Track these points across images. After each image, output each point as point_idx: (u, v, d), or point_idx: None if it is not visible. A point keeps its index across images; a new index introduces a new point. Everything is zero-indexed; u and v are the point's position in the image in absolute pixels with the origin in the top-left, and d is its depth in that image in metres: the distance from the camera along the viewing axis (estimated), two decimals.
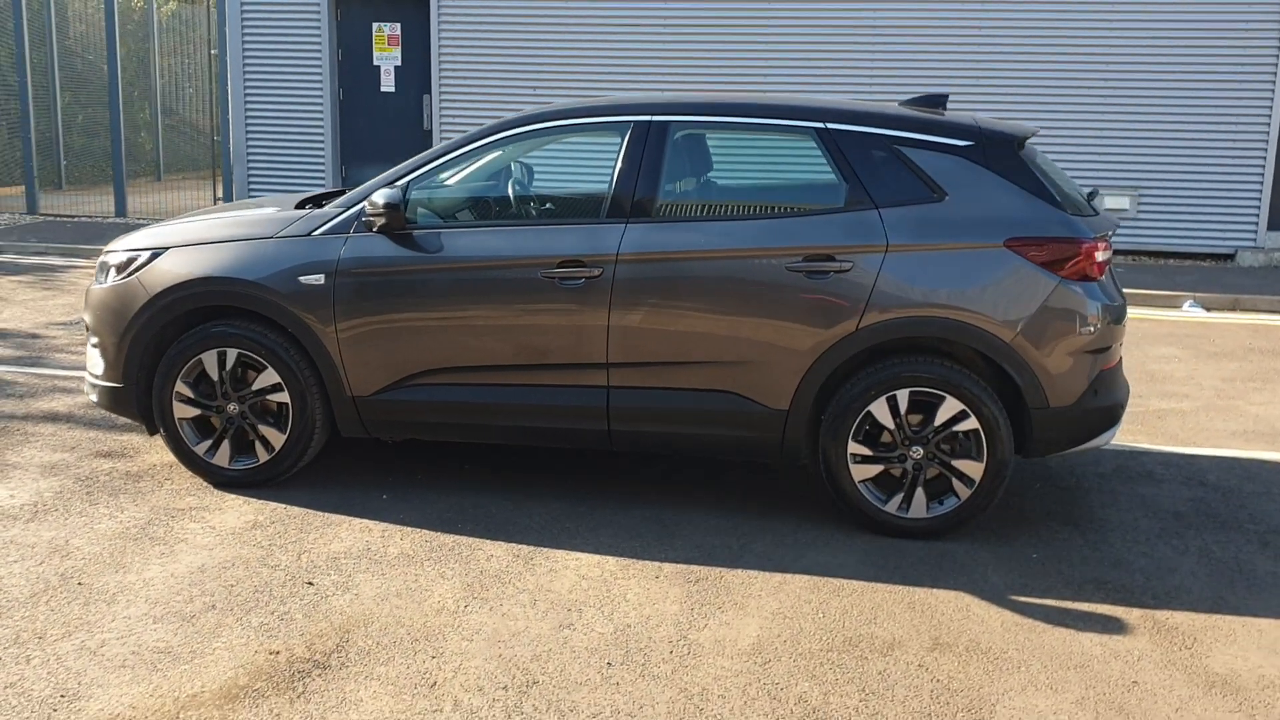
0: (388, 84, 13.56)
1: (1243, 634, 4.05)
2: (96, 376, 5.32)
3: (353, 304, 4.95)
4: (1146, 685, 3.67)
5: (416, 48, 13.44)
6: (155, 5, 18.84)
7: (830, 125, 4.86)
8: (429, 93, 13.41)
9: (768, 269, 4.73)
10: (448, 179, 5.21)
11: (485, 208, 5.46)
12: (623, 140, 4.95)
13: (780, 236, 4.77)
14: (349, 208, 5.04)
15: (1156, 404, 7.07)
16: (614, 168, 4.93)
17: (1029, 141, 5.17)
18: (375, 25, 13.50)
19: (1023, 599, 4.28)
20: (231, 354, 5.07)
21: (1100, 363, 4.75)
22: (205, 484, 5.21)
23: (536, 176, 5.77)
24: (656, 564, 4.50)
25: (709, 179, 5.26)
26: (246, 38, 13.72)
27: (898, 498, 4.78)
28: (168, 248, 5.15)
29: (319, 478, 5.33)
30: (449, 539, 4.68)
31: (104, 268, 5.29)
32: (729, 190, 5.26)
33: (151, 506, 4.93)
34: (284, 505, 5.00)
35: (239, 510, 4.92)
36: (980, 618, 4.10)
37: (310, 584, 4.24)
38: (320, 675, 3.59)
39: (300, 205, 5.42)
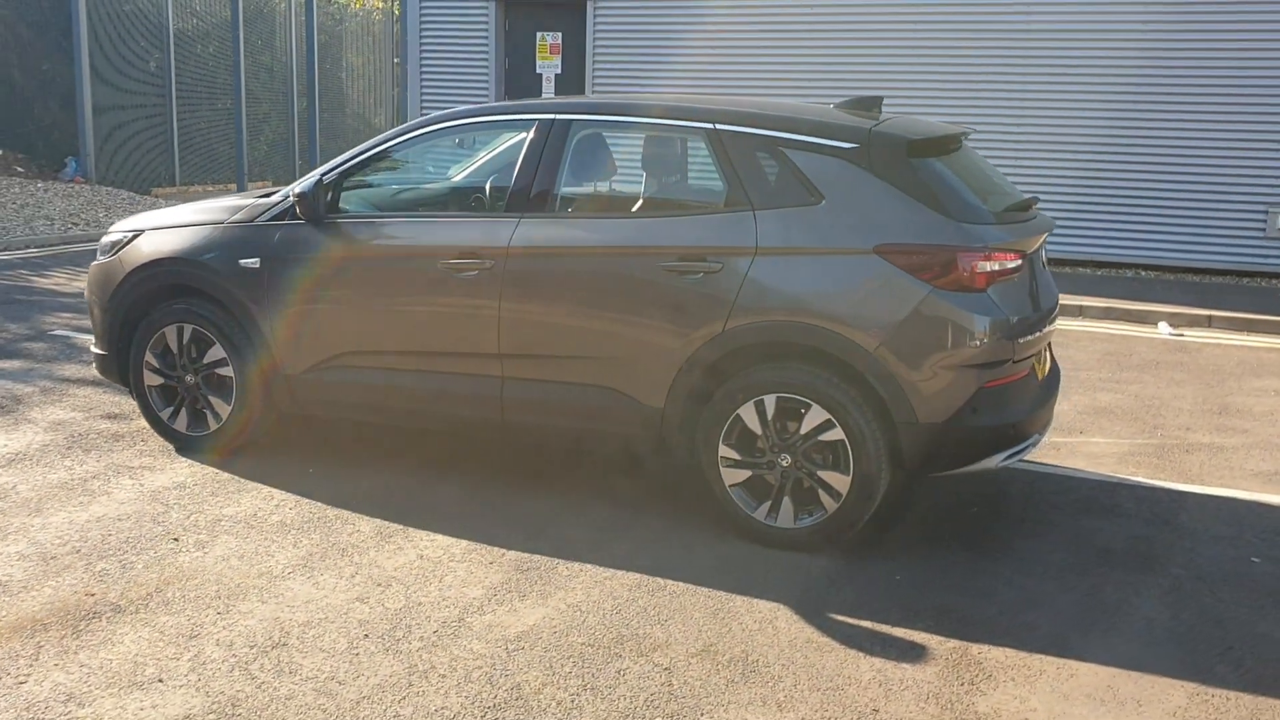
0: (548, 91, 14.06)
1: (1047, 676, 3.73)
2: (93, 345, 5.93)
3: (281, 287, 5.30)
4: (885, 714, 3.47)
5: (573, 56, 13.88)
6: (346, 15, 20.33)
7: (719, 126, 4.80)
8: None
9: (645, 267, 4.73)
10: (372, 172, 5.47)
11: (400, 200, 5.70)
12: (526, 138, 5.07)
13: (659, 235, 4.76)
14: (289, 197, 5.39)
15: (1199, 437, 6.46)
16: (516, 164, 5.06)
17: (954, 142, 4.93)
18: (539, 35, 14.04)
19: (840, 618, 4.10)
20: (188, 329, 5.53)
21: (984, 378, 4.46)
22: (169, 446, 5.70)
23: (451, 171, 5.97)
24: (502, 551, 4.58)
25: (604, 178, 5.29)
26: (424, 46, 14.58)
27: (766, 505, 4.66)
28: (145, 230, 5.68)
29: (273, 448, 5.70)
30: (331, 512, 4.94)
31: (101, 247, 5.88)
32: (621, 189, 5.27)
33: (108, 464, 5.46)
34: (218, 470, 5.41)
35: (176, 471, 5.37)
36: (775, 631, 3.97)
37: (175, 540, 4.60)
38: (107, 618, 3.92)
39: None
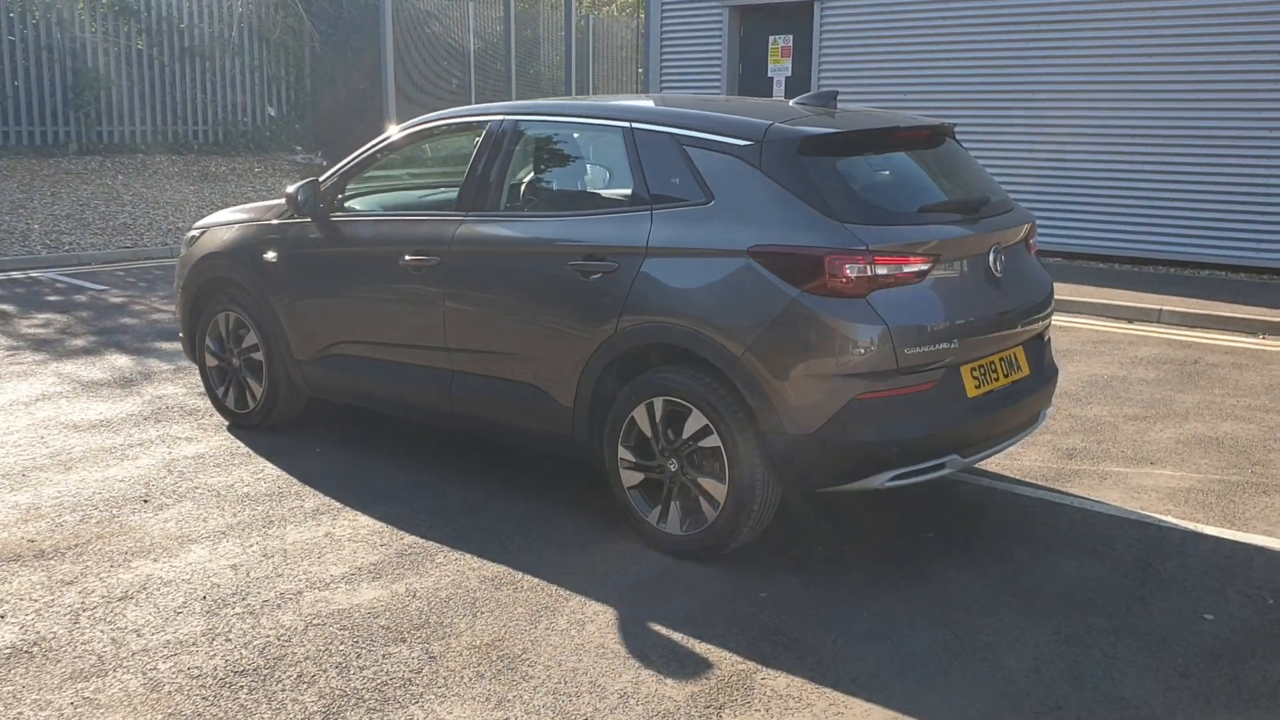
0: (778, 95, 13.96)
1: (811, 711, 3.43)
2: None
3: (290, 279, 5.76)
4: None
5: (802, 59, 13.70)
6: (592, 22, 21.05)
7: (634, 124, 4.73)
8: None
9: (556, 265, 4.76)
10: (364, 174, 5.78)
11: (383, 200, 5.96)
12: (478, 140, 5.22)
13: (569, 234, 4.77)
14: None
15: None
16: (468, 165, 5.22)
17: (886, 137, 4.60)
18: (771, 38, 13.98)
19: (655, 627, 3.96)
20: (232, 317, 6.13)
21: (858, 390, 4.12)
22: (223, 422, 6.33)
23: (431, 171, 6.14)
24: (402, 534, 4.76)
25: (540, 177, 5.29)
26: (665, 55, 14.91)
27: (658, 509, 4.56)
28: (210, 227, 6.34)
29: (301, 428, 6.20)
30: (295, 488, 5.32)
31: (184, 241, 6.62)
32: (549, 189, 5.25)
33: (161, 434, 6.15)
34: (242, 444, 5.96)
35: (207, 443, 5.97)
36: (576, 634, 3.90)
37: (145, 502, 5.15)
38: (23, 561, 4.47)
39: None
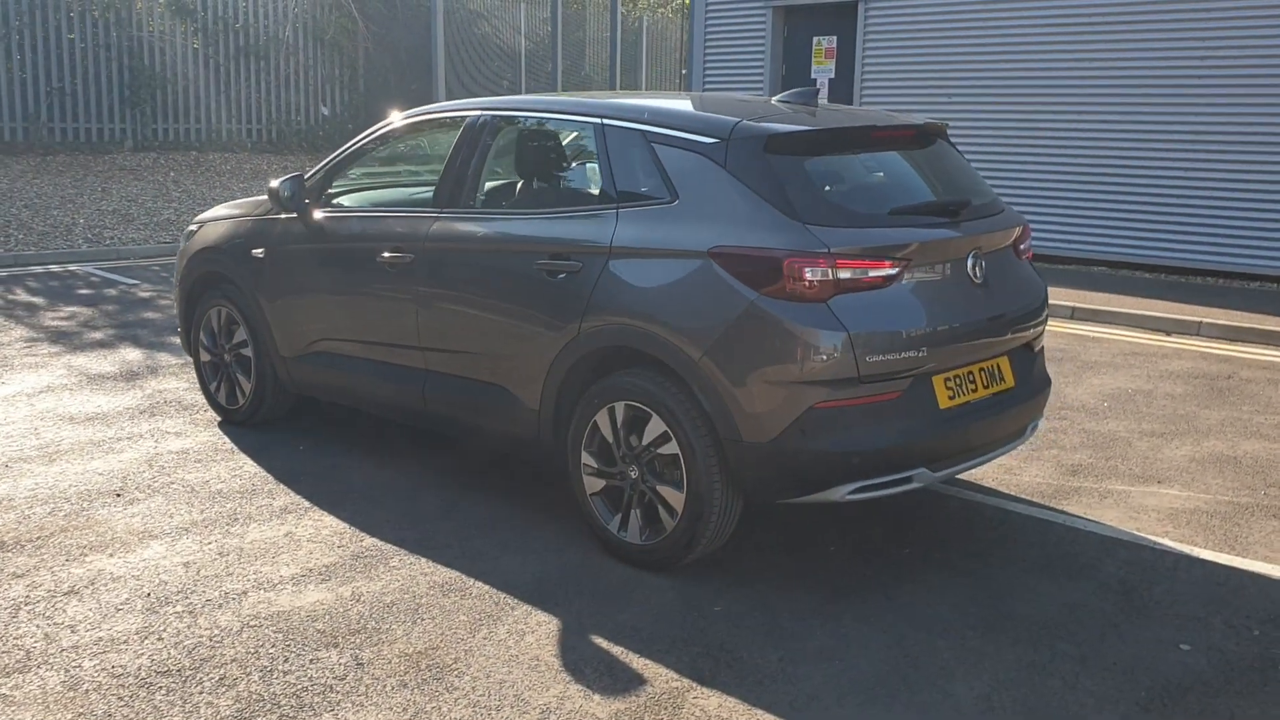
0: (822, 97, 13.73)
1: None
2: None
3: (275, 275, 5.72)
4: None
5: (845, 61, 13.46)
6: (646, 24, 20.93)
7: (605, 120, 4.60)
8: (850, 104, 13.35)
9: (524, 264, 4.64)
10: (348, 169, 5.71)
11: (371, 196, 5.88)
12: (456, 135, 5.12)
13: (538, 232, 4.65)
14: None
15: None
16: (444, 161, 5.13)
17: (862, 136, 4.43)
18: (815, 39, 13.76)
19: (596, 639, 3.83)
20: (224, 312, 6.11)
21: (815, 398, 3.94)
22: (215, 417, 6.31)
23: (423, 168, 6.04)
24: (363, 537, 4.68)
25: (512, 174, 5.17)
26: (708, 56, 14.75)
27: (619, 517, 4.42)
28: (206, 221, 6.33)
29: (290, 425, 6.15)
30: (269, 486, 5.27)
31: (183, 236, 6.62)
32: (524, 185, 5.11)
33: (152, 428, 6.14)
34: (227, 440, 5.93)
35: (194, 439, 5.95)
36: (514, 644, 3.78)
37: (118, 495, 5.13)
38: None
39: None
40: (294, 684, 3.51)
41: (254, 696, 3.44)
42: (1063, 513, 5.07)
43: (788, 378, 3.94)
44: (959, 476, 5.43)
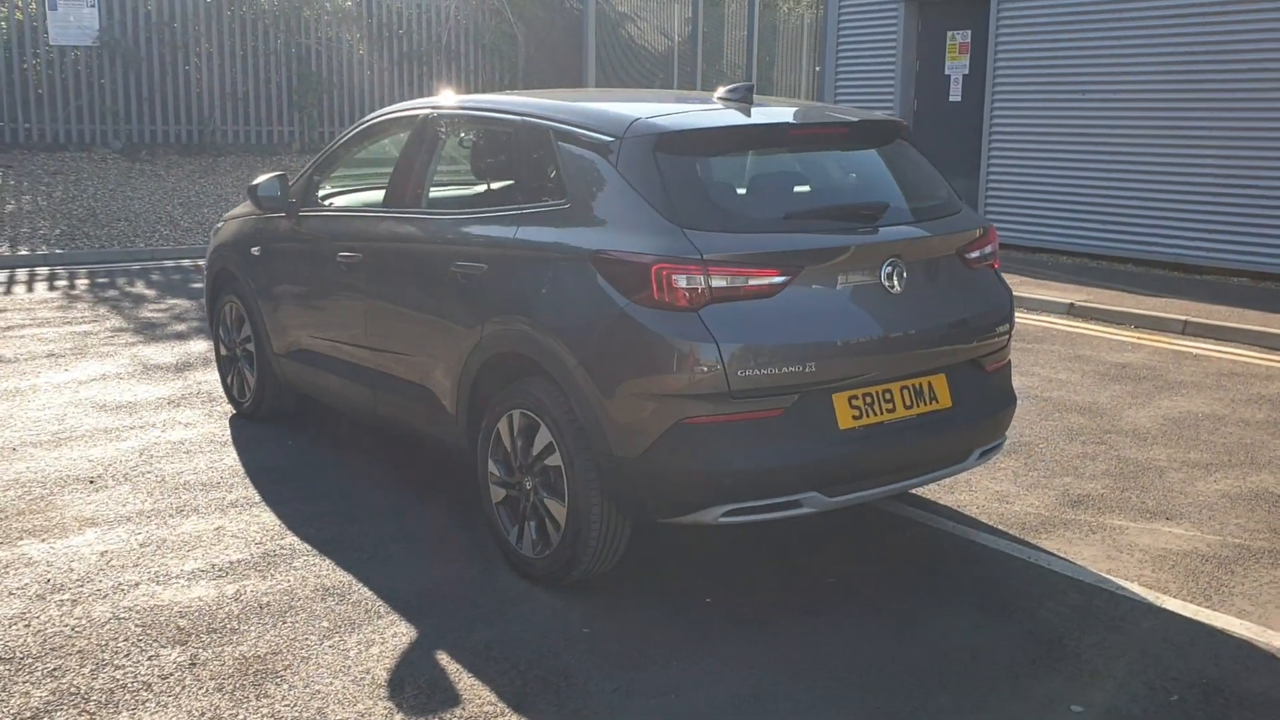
0: (955, 93, 13.07)
1: None
2: None
3: (266, 273, 5.83)
4: None
5: (979, 56, 12.76)
6: (781, 20, 20.47)
7: (523, 118, 4.45)
8: (984, 101, 12.65)
9: (444, 265, 4.55)
10: (330, 169, 5.72)
11: (335, 196, 5.85)
12: (409, 134, 5.07)
13: (456, 233, 4.55)
14: None
15: None
16: (396, 161, 5.09)
17: (775, 133, 4.14)
18: (949, 34, 13.10)
19: (441, 656, 3.70)
20: (234, 309, 6.27)
21: (681, 413, 3.68)
22: (230, 410, 6.49)
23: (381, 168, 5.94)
24: (290, 536, 4.68)
25: (444, 173, 5.04)
26: (840, 52, 14.28)
27: (517, 529, 4.27)
28: (229, 219, 6.51)
29: (294, 421, 6.26)
30: (235, 480, 5.34)
31: (213, 231, 6.83)
32: (451, 185, 4.97)
33: (168, 419, 6.35)
34: (224, 433, 6.08)
35: (197, 430, 6.12)
36: (349, 654, 3.70)
37: (91, 482, 5.32)
38: None
39: None
40: (117, 680, 3.53)
41: (70, 690, 3.47)
42: (1034, 548, 4.60)
43: (655, 390, 3.70)
44: (939, 501, 5.04)
